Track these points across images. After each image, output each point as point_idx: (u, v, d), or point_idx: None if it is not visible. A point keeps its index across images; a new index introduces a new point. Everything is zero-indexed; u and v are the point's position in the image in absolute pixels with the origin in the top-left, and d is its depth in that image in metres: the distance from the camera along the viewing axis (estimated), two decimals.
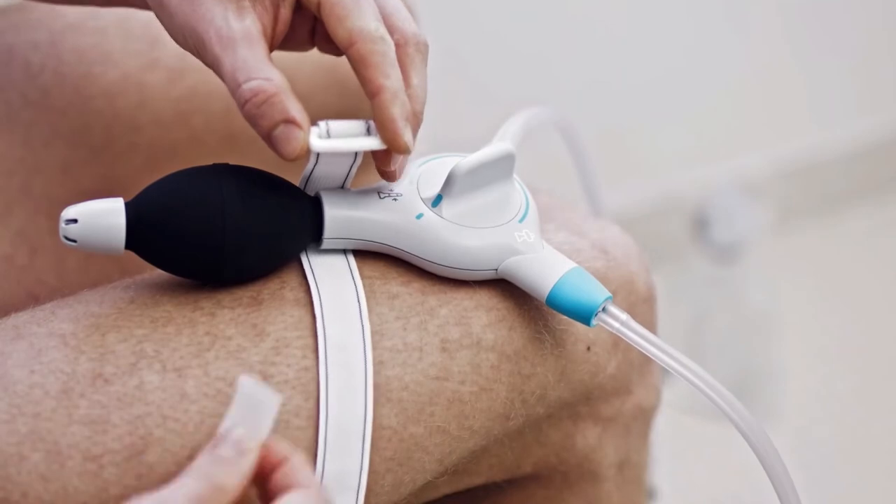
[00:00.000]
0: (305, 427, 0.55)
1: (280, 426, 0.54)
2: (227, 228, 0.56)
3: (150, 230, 0.56)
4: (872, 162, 2.01)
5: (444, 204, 0.60)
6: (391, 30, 0.58)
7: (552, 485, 0.69)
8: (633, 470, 0.73)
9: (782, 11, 1.84)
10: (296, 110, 0.55)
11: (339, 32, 0.56)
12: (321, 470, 0.55)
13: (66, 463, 0.52)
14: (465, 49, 1.56)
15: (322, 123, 0.57)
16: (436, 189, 0.60)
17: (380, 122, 0.56)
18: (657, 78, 1.77)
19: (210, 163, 0.58)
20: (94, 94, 0.74)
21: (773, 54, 1.86)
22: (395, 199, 0.60)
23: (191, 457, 0.53)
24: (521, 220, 0.61)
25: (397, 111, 0.56)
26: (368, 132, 0.57)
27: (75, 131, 0.73)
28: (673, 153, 1.82)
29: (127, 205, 0.56)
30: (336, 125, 0.57)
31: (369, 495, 0.58)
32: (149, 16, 0.76)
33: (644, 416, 0.71)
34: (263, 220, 0.57)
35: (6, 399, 0.52)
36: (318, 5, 0.57)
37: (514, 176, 0.63)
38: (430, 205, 0.60)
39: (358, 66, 0.56)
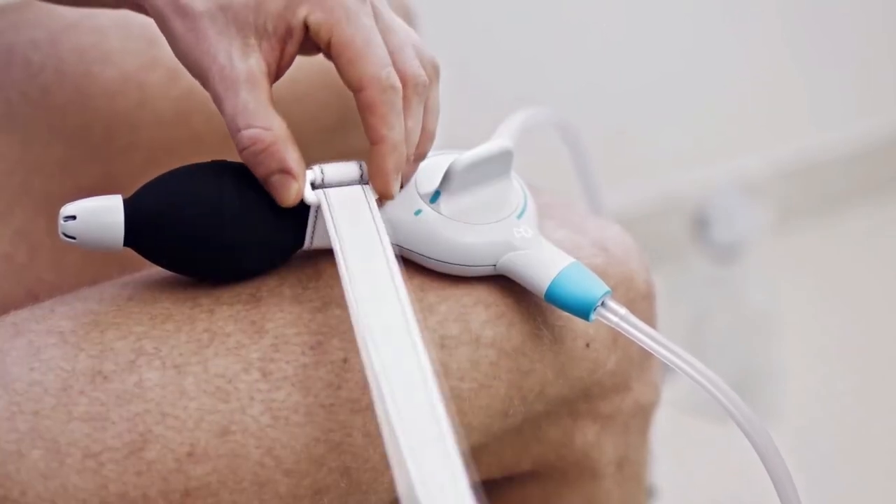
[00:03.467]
0: (304, 424, 0.55)
1: (280, 423, 0.55)
2: (225, 226, 0.56)
3: (149, 227, 0.56)
4: (872, 162, 2.01)
5: (443, 200, 0.60)
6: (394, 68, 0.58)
7: (551, 482, 0.69)
8: (632, 467, 0.73)
9: (782, 12, 1.84)
10: (293, 160, 0.56)
11: (348, 76, 0.57)
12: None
13: (65, 460, 0.52)
14: (466, 49, 1.56)
15: (317, 168, 0.58)
16: (434, 185, 0.60)
17: (374, 170, 0.58)
18: (657, 78, 1.77)
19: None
20: (94, 93, 0.74)
21: (773, 55, 1.87)
22: None
23: (190, 453, 0.53)
24: (519, 217, 0.61)
25: (392, 164, 0.58)
26: (362, 177, 0.59)
27: (75, 130, 0.73)
28: (673, 153, 1.82)
29: (125, 202, 0.56)
30: (331, 171, 0.58)
31: (369, 492, 0.58)
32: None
33: (643, 413, 0.71)
34: (262, 218, 0.57)
35: (5, 397, 0.52)
36: (329, 45, 0.57)
37: (513, 173, 0.63)
38: (428, 201, 0.60)
39: (364, 111, 0.57)
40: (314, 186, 0.58)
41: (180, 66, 0.76)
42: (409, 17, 0.88)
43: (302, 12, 0.56)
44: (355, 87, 0.57)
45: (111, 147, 0.75)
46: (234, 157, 0.61)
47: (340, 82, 0.58)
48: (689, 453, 1.43)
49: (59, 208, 0.56)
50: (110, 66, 0.75)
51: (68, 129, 0.73)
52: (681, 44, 1.78)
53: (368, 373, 0.50)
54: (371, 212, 0.57)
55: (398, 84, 0.57)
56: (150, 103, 0.75)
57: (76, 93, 0.74)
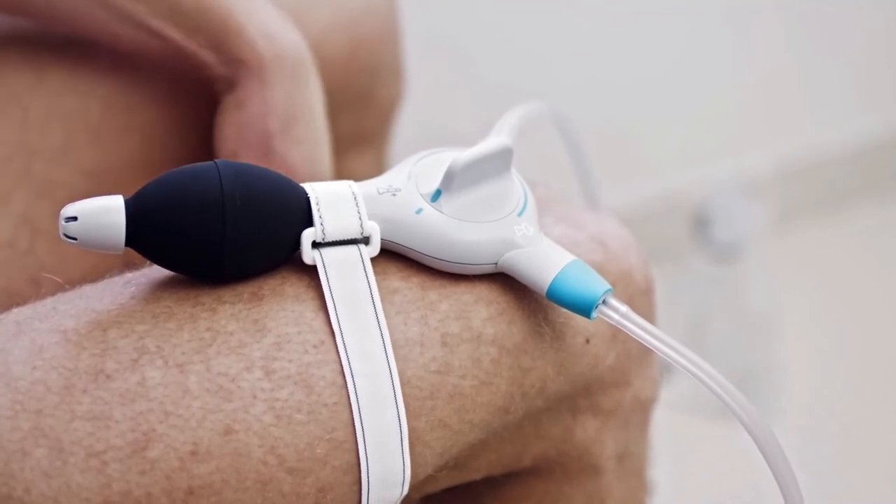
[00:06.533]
0: (306, 422, 0.55)
1: (283, 421, 0.55)
2: (227, 226, 0.56)
3: (151, 228, 0.56)
4: (872, 162, 2.01)
5: (443, 199, 0.60)
6: None
7: (552, 478, 0.69)
8: (633, 462, 0.73)
9: (782, 11, 1.84)
10: None
11: None
12: (367, 475, 0.56)
13: (68, 459, 0.52)
14: (467, 44, 1.56)
15: (318, 226, 0.58)
16: (434, 184, 0.60)
17: None
18: (658, 77, 1.77)
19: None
20: (89, 73, 0.74)
21: (774, 54, 1.87)
22: (393, 195, 0.60)
23: (194, 452, 0.53)
24: (519, 214, 0.61)
25: None
26: (362, 230, 0.58)
27: (72, 112, 0.73)
28: (673, 153, 1.82)
29: (126, 202, 0.56)
30: (332, 228, 0.58)
31: None
32: None
33: (643, 408, 0.71)
34: (263, 217, 0.57)
35: (9, 395, 0.52)
36: None
37: (513, 170, 0.63)
38: (428, 200, 0.60)
39: None
40: (314, 245, 0.58)
41: None
42: (392, 7, 0.88)
43: None
44: None
45: (108, 129, 0.75)
46: None
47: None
48: (689, 453, 1.43)
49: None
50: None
51: (66, 110, 0.73)
52: (681, 43, 1.78)
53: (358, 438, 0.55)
54: (366, 273, 0.58)
55: None
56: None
57: (71, 74, 0.74)
